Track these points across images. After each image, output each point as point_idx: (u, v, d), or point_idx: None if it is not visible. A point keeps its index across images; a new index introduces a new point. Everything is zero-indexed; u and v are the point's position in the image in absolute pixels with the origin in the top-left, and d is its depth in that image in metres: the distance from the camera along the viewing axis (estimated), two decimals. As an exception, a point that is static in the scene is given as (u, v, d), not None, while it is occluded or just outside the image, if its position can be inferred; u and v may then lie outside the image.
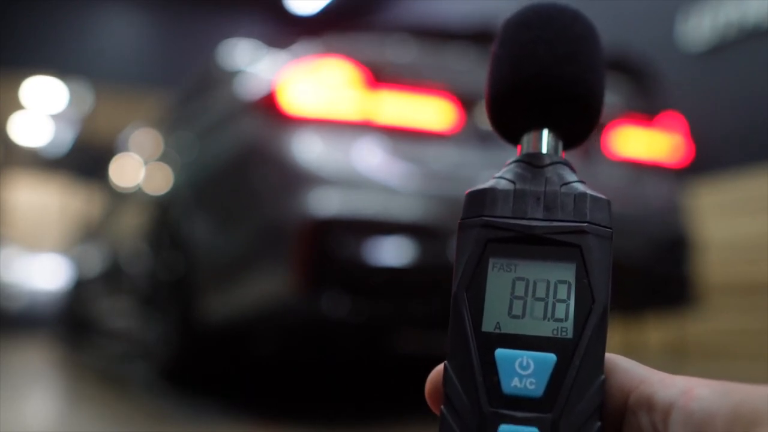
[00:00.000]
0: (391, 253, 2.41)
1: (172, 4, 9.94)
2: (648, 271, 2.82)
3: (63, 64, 9.44)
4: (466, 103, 2.68)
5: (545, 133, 0.38)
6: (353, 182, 2.48)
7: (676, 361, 4.58)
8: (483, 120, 2.70)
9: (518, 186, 0.36)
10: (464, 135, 2.67)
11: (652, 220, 2.92)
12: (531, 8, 0.38)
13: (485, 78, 0.39)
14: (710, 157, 4.46)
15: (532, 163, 0.37)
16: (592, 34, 0.38)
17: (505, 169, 0.37)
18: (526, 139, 0.38)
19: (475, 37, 2.91)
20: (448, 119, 2.66)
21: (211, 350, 3.13)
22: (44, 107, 10.50)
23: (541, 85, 0.37)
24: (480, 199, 0.36)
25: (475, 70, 2.82)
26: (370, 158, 2.53)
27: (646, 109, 3.13)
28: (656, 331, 4.56)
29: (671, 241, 2.96)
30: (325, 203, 2.43)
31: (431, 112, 2.65)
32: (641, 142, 3.09)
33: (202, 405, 2.97)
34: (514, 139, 0.39)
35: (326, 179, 2.46)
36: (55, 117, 10.93)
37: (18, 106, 10.53)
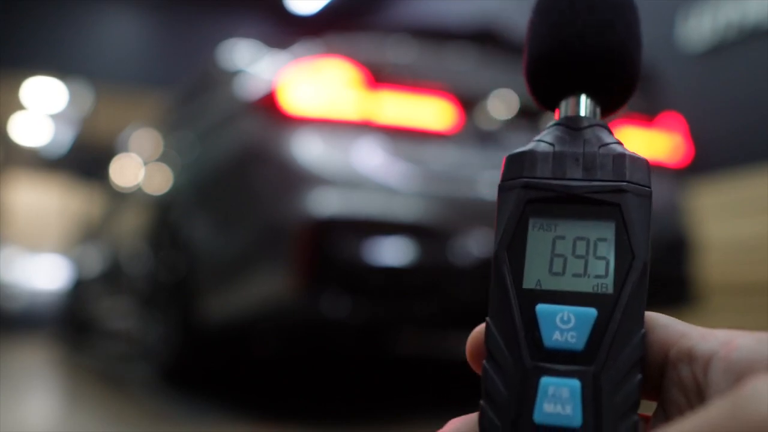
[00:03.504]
0: (391, 253, 2.41)
1: (172, 4, 9.94)
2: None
3: (63, 64, 9.44)
4: (466, 103, 2.68)
5: (583, 97, 0.38)
6: (353, 182, 2.48)
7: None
8: (483, 120, 2.70)
9: (557, 148, 0.36)
10: (464, 135, 2.67)
11: (652, 219, 2.92)
12: None
13: (523, 45, 0.40)
14: (710, 157, 4.46)
15: (570, 125, 0.37)
16: (630, 2, 0.38)
17: (544, 132, 0.38)
18: (564, 103, 0.38)
19: (475, 37, 2.91)
20: (448, 119, 2.66)
21: (211, 350, 3.13)
22: (44, 107, 10.50)
23: (579, 51, 0.37)
24: (519, 161, 0.36)
25: (475, 70, 2.83)
26: (370, 158, 2.53)
27: (646, 109, 3.13)
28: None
29: (671, 241, 2.96)
30: (325, 203, 2.43)
31: (431, 112, 2.65)
32: (641, 142, 3.09)
33: (202, 405, 2.97)
34: (551, 105, 0.40)
35: (326, 179, 2.46)
36: (55, 117, 10.93)
37: (18, 107, 10.53)
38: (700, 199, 4.19)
